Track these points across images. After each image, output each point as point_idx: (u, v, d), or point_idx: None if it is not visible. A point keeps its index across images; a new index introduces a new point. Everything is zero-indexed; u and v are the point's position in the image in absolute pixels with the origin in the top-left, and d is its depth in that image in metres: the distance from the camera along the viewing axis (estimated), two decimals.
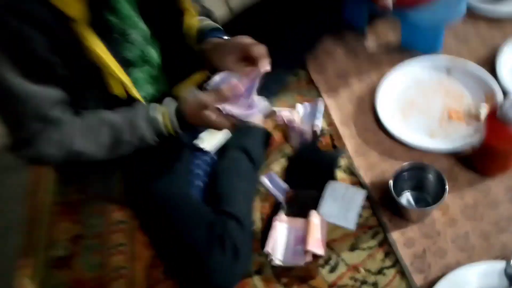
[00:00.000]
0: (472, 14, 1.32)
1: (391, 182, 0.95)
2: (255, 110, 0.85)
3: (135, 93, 0.89)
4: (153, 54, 0.97)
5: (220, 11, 1.45)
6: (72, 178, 1.14)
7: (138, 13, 0.92)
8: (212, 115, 0.82)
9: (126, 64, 0.91)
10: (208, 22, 1.02)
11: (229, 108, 0.83)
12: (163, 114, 0.86)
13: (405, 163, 0.98)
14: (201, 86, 1.08)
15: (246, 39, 0.89)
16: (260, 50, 0.86)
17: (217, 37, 0.97)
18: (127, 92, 0.88)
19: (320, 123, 1.18)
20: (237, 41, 0.89)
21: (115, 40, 0.87)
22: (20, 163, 1.35)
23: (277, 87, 1.31)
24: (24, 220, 1.25)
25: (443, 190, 0.94)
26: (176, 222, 0.95)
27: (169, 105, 0.87)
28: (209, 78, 0.98)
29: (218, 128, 0.86)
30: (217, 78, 0.88)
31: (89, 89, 0.88)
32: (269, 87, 1.21)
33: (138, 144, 0.87)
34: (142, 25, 0.93)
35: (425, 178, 0.99)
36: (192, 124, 0.85)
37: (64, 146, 0.84)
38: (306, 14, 1.31)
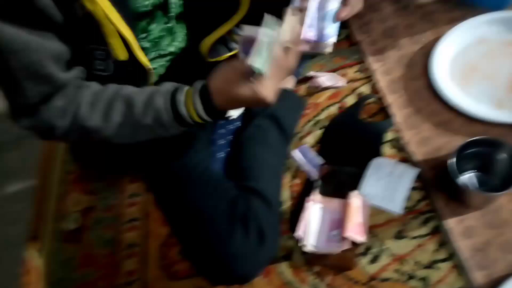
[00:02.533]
0: None
1: (453, 160, 0.78)
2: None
3: (140, 54, 0.75)
4: None
5: None
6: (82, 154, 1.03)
7: None
8: (250, 86, 0.65)
9: (137, 17, 0.77)
10: None
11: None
12: (187, 93, 0.70)
13: (472, 138, 0.81)
14: (228, 39, 0.94)
15: None
16: None
17: None
18: (131, 54, 0.73)
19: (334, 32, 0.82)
20: None
21: None
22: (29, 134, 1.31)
23: None
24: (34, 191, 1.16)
25: None
26: (193, 197, 0.83)
27: (196, 84, 0.71)
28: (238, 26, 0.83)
29: (260, 102, 0.68)
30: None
31: (91, 51, 0.73)
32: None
33: (155, 127, 0.71)
34: None
35: (494, 157, 0.81)
36: (222, 105, 0.69)
37: (68, 116, 0.70)
38: None
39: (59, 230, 1.07)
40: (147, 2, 0.76)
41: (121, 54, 0.72)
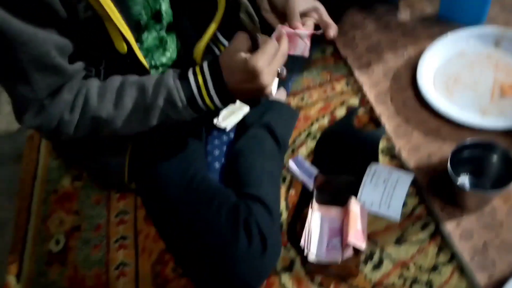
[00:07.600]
0: None
1: (449, 163, 0.80)
2: None
3: (138, 53, 0.75)
4: (165, 8, 0.83)
5: None
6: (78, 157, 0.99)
7: None
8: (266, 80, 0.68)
9: (137, 28, 0.77)
10: None
11: None
12: (196, 72, 0.70)
13: (468, 139, 0.83)
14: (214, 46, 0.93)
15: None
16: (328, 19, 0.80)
17: None
18: (131, 50, 0.73)
19: None
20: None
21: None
22: (11, 154, 1.25)
23: (301, 63, 1.17)
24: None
25: (508, 174, 0.79)
26: (194, 205, 0.80)
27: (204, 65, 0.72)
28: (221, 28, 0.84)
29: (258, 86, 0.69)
30: None
31: (94, 45, 0.73)
32: (292, 64, 1.08)
33: (166, 109, 0.70)
34: None
35: (486, 159, 0.84)
36: (230, 83, 0.69)
37: (77, 109, 0.69)
38: None
39: (41, 253, 1.00)
40: (141, 11, 0.77)
41: (122, 49, 0.72)
